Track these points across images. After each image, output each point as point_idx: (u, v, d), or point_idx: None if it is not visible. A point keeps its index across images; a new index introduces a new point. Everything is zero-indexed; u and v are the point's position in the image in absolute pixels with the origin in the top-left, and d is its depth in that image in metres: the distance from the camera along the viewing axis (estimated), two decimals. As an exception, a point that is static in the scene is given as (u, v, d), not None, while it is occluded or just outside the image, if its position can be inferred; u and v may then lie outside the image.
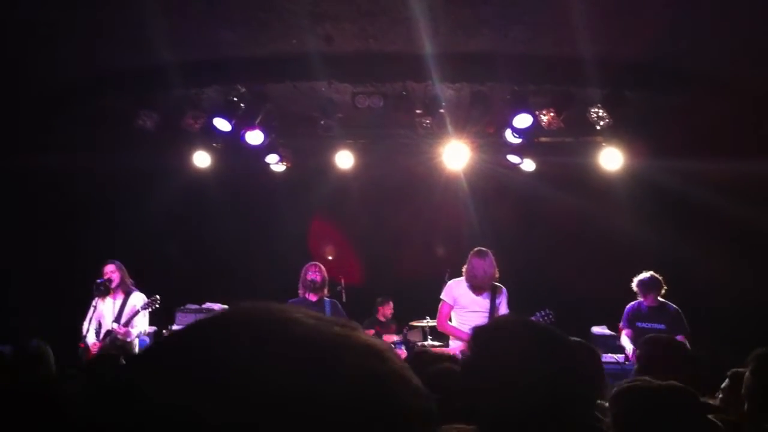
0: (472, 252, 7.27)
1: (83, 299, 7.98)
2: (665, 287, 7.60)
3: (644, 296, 7.64)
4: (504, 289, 7.29)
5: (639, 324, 7.68)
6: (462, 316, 7.18)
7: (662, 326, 7.53)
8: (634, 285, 7.67)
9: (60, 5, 6.52)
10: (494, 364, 1.61)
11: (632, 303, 7.82)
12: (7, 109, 8.40)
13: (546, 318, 7.22)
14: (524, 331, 1.74)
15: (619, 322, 7.97)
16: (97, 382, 0.69)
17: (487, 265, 7.17)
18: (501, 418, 1.50)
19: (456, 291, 7.29)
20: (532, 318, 7.08)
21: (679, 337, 7.27)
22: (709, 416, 2.90)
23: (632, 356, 7.38)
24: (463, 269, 7.28)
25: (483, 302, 7.16)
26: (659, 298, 7.64)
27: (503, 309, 7.21)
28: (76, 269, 8.51)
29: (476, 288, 7.19)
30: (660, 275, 7.68)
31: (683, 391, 2.33)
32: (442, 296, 7.39)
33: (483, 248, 7.30)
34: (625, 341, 7.73)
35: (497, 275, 7.25)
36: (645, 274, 7.64)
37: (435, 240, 10.80)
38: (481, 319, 7.01)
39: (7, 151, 8.32)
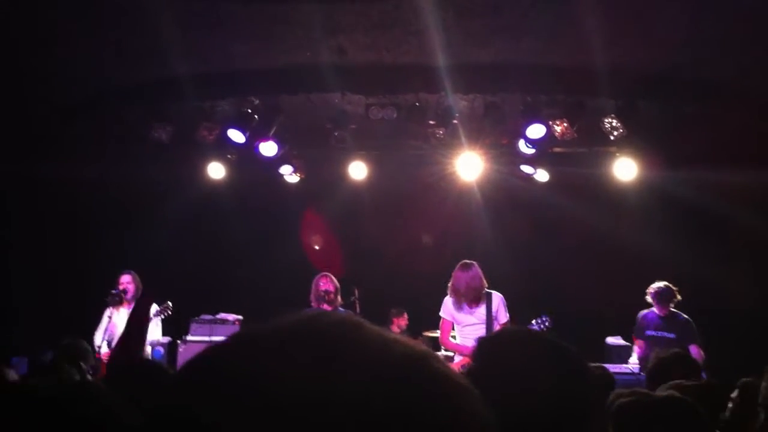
0: (457, 266, 7.25)
1: (97, 310, 8.02)
2: (679, 297, 7.60)
3: (657, 305, 7.64)
4: (499, 296, 7.23)
5: (648, 332, 7.73)
6: (461, 330, 7.17)
7: (672, 335, 7.55)
8: (648, 295, 7.67)
9: (75, 18, 6.59)
10: (498, 372, 1.61)
11: (643, 312, 7.84)
12: (22, 119, 8.48)
13: (543, 325, 7.19)
14: (527, 339, 1.75)
15: (634, 332, 7.98)
16: (149, 408, 0.68)
17: (470, 277, 7.11)
18: (507, 426, 1.51)
19: (451, 307, 7.27)
20: (530, 326, 7.05)
21: (692, 348, 7.30)
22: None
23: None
24: (449, 285, 7.26)
25: (479, 313, 7.13)
26: (671, 308, 7.64)
27: (502, 316, 7.16)
28: (90, 280, 8.56)
29: (461, 302, 7.15)
30: (674, 285, 7.66)
31: (683, 403, 2.33)
32: (440, 313, 7.38)
33: (468, 261, 7.26)
34: (634, 353, 7.77)
35: (485, 285, 7.19)
36: (660, 284, 7.63)
37: (448, 251, 10.77)
38: (479, 330, 7.00)
39: (22, 162, 8.39)
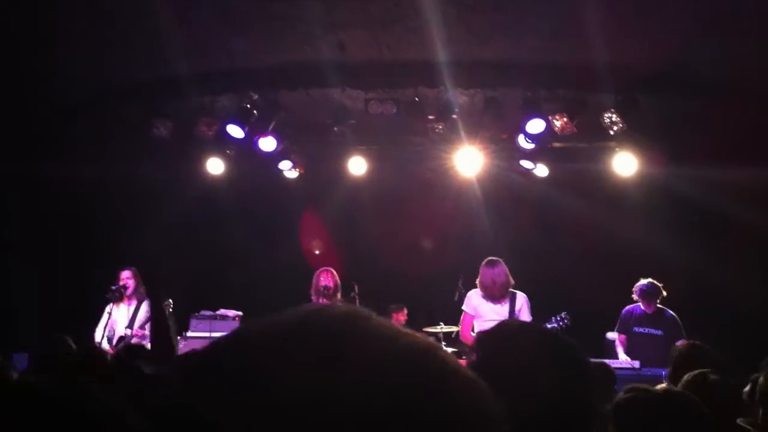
0: (483, 262, 7.30)
1: (97, 306, 8.02)
2: (664, 293, 7.65)
3: (644, 302, 7.69)
4: (524, 296, 7.29)
5: (636, 329, 7.80)
6: (482, 325, 7.17)
7: (659, 332, 7.65)
8: (634, 292, 7.72)
9: (75, 16, 6.58)
10: (498, 367, 1.60)
11: (628, 307, 7.91)
12: (22, 119, 8.47)
13: (561, 322, 7.21)
14: (528, 334, 1.74)
15: (618, 327, 8.01)
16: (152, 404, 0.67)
17: (496, 273, 7.17)
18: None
19: (475, 301, 7.32)
20: (548, 323, 7.09)
21: (679, 342, 7.36)
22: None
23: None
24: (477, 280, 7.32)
25: (501, 311, 7.15)
26: (658, 305, 7.68)
27: (524, 316, 7.18)
28: (90, 276, 8.56)
29: (488, 297, 7.19)
30: (675, 281, 7.67)
31: (684, 398, 2.32)
32: (463, 307, 7.44)
33: (494, 258, 7.30)
34: (619, 348, 7.79)
35: (511, 283, 7.25)
36: (644, 282, 7.71)
37: (448, 246, 10.78)
38: None
39: (22, 161, 8.38)
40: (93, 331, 7.85)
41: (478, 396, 0.67)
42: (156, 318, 4.89)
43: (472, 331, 7.34)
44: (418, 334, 0.70)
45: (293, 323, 0.68)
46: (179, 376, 0.68)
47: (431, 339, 0.72)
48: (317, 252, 10.99)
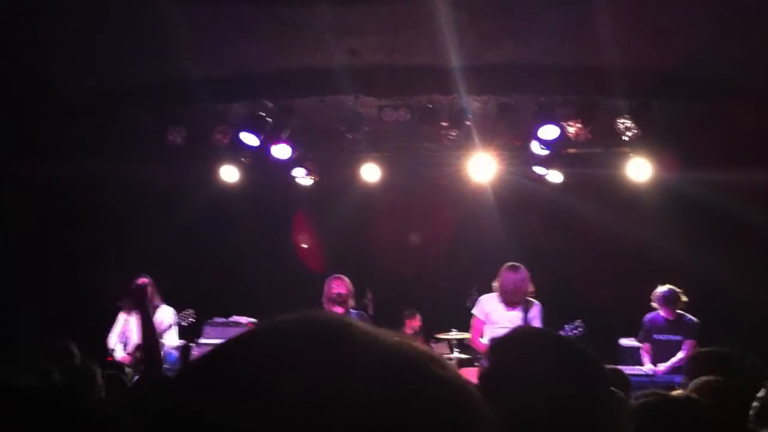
0: (504, 266, 7.23)
1: (110, 313, 8.04)
2: (685, 299, 7.63)
3: (665, 309, 7.67)
4: (537, 305, 7.20)
5: (656, 336, 7.82)
6: (493, 331, 7.09)
7: (679, 337, 7.68)
8: (654, 300, 7.70)
9: (87, 20, 6.62)
10: (512, 373, 1.59)
11: (649, 315, 7.89)
12: (35, 121, 8.52)
13: (576, 330, 7.16)
14: (542, 341, 1.73)
15: (641, 336, 8.00)
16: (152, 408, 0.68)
17: (519, 279, 7.09)
18: (520, 428, 1.49)
19: (487, 306, 7.24)
20: (561, 332, 7.04)
21: (687, 342, 7.43)
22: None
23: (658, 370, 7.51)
24: (494, 284, 7.23)
25: (515, 318, 7.07)
26: (678, 311, 7.67)
27: (536, 324, 7.12)
28: (104, 283, 8.59)
29: (508, 302, 7.12)
30: (689, 287, 7.63)
31: (698, 404, 2.31)
32: (473, 311, 7.34)
33: (516, 263, 7.24)
34: (645, 358, 7.78)
35: (531, 290, 7.19)
36: (663, 288, 7.67)
37: (461, 252, 10.77)
38: None
39: (36, 163, 8.41)
40: (95, 333, 7.84)
41: (466, 402, 0.67)
42: (145, 332, 4.94)
43: (482, 336, 7.29)
44: (407, 340, 0.70)
45: (290, 329, 0.69)
46: (181, 379, 0.68)
47: (423, 345, 0.72)
48: (304, 246, 11.07)
